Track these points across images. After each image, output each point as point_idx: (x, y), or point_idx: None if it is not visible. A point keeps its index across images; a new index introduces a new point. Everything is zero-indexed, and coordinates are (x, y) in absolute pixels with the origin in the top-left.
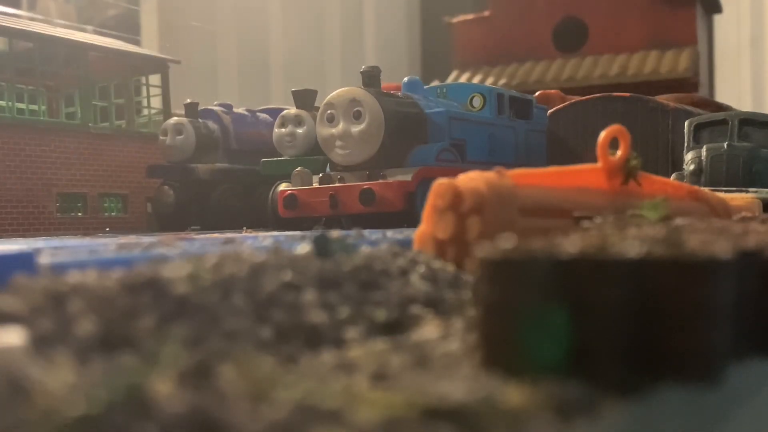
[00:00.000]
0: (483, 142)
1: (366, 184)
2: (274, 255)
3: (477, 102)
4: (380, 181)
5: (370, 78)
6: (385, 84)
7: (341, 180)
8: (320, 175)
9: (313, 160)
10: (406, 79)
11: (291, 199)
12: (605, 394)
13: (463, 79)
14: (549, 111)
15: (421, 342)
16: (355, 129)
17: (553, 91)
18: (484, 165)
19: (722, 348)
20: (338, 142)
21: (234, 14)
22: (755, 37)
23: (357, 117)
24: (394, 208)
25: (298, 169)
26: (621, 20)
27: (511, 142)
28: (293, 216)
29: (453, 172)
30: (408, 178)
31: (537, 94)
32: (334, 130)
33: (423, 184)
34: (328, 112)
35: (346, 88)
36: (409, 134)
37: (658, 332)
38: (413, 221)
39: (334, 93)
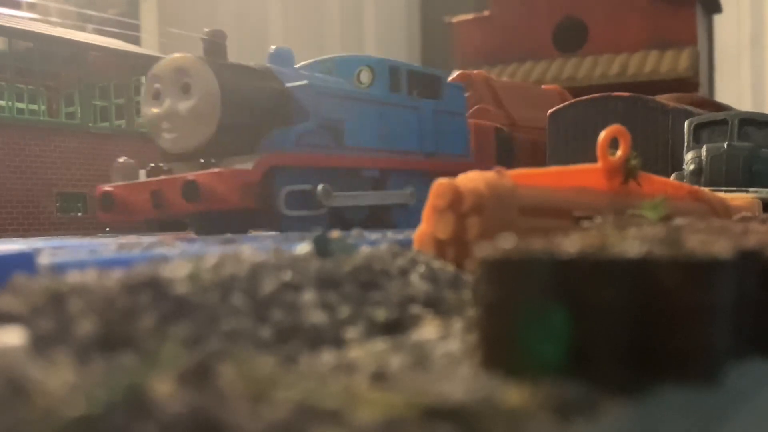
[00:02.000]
0: (370, 123)
1: (190, 176)
2: (274, 255)
3: (365, 77)
4: (209, 171)
5: (213, 45)
6: None
7: (169, 172)
8: (149, 167)
9: None
10: (272, 48)
11: (107, 199)
12: (605, 394)
13: None
14: (549, 111)
15: (421, 342)
16: (183, 106)
17: (476, 71)
18: (371, 151)
19: (722, 348)
20: (165, 124)
21: (234, 14)
22: (755, 37)
23: (185, 91)
24: (228, 205)
25: (121, 160)
26: (621, 20)
27: (413, 125)
28: (113, 219)
29: (317, 160)
30: (248, 166)
31: (456, 74)
32: (159, 109)
33: (276, 175)
34: (155, 86)
35: (172, 56)
36: (264, 113)
37: (658, 332)
38: (261, 222)
39: (160, 62)
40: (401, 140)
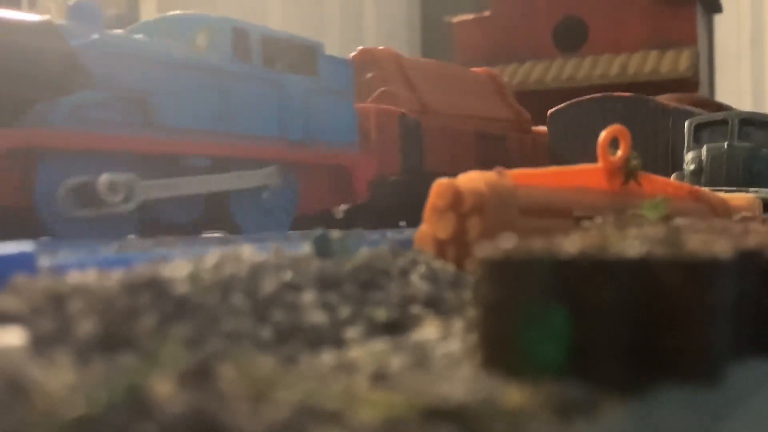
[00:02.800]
0: (200, 98)
1: None
2: (274, 255)
3: (202, 40)
4: None
5: None
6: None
7: None
8: None
9: None
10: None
11: None
12: (605, 394)
13: None
14: (549, 111)
15: (421, 342)
16: None
17: (382, 48)
18: (199, 134)
19: (722, 348)
20: None
21: (234, 14)
22: (755, 37)
23: None
24: None
25: None
26: (621, 20)
27: (272, 105)
28: None
29: (104, 141)
30: None
31: (358, 49)
32: None
33: (39, 161)
34: None
35: None
36: (33, 80)
37: (659, 332)
38: (18, 229)
39: None
40: (251, 122)
